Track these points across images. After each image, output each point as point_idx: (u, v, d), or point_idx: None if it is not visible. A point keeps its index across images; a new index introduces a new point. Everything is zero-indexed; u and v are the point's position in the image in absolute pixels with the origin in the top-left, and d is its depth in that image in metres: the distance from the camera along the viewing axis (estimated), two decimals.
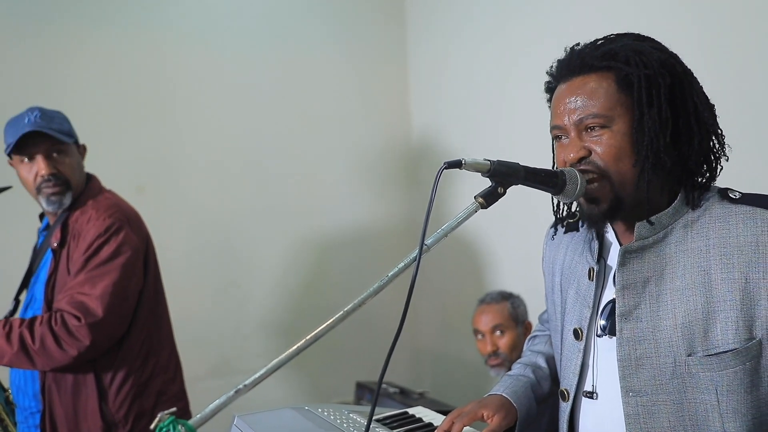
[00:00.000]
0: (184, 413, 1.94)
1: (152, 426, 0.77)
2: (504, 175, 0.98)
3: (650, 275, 1.02)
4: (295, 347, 0.88)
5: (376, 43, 3.36)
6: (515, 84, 2.69)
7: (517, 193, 1.07)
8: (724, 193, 1.02)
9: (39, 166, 1.78)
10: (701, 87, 1.04)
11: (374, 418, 1.25)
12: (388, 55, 3.40)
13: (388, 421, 1.28)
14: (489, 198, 0.98)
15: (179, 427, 0.77)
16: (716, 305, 0.96)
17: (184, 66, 2.84)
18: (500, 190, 0.99)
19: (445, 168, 0.95)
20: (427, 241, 0.95)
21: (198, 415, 0.79)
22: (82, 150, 1.91)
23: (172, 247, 2.43)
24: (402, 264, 0.94)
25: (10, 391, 1.88)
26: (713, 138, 1.03)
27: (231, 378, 2.86)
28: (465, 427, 1.14)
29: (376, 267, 3.19)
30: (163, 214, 2.51)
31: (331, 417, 1.26)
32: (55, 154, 1.81)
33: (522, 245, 2.58)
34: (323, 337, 0.90)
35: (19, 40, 2.51)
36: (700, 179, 1.04)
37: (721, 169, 1.05)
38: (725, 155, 1.05)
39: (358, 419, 1.26)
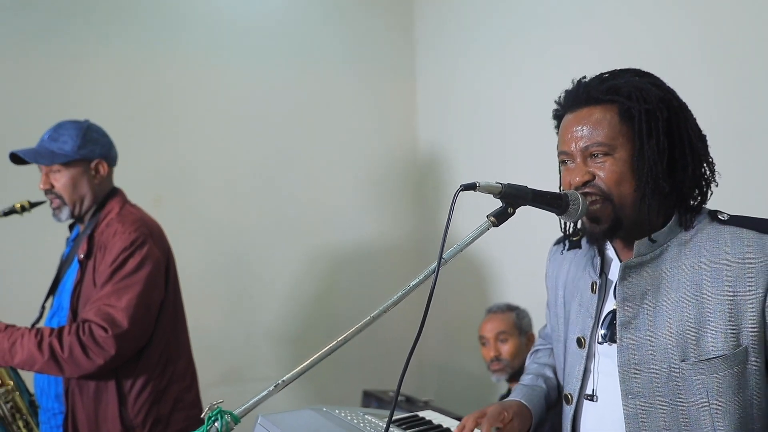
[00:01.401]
0: (194, 422, 2.01)
1: (202, 415, 0.86)
2: (513, 197, 1.07)
3: (648, 288, 1.12)
4: (327, 348, 0.96)
5: (385, 62, 3.48)
6: (517, 104, 2.81)
7: (519, 213, 1.15)
8: (713, 215, 1.12)
9: (41, 180, 1.93)
10: (695, 120, 1.14)
11: (385, 420, 1.33)
12: (397, 74, 3.51)
13: (399, 423, 1.37)
14: (500, 217, 1.06)
15: (226, 416, 0.86)
16: (707, 315, 1.06)
17: (201, 83, 2.95)
18: (510, 210, 1.07)
19: (462, 190, 1.03)
20: (445, 255, 1.04)
21: (242, 407, 0.88)
22: (96, 166, 1.95)
23: (186, 259, 2.51)
24: (422, 275, 1.02)
25: (34, 394, 1.96)
26: (705, 166, 1.13)
27: (241, 385, 2.92)
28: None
29: (383, 279, 3.30)
30: (179, 226, 2.59)
31: (348, 417, 1.35)
32: (52, 172, 1.92)
33: (524, 263, 2.68)
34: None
35: (44, 56, 2.63)
36: (692, 202, 1.14)
37: (711, 194, 1.15)
38: (715, 181, 1.15)
39: (373, 420, 1.35)
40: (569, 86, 1.20)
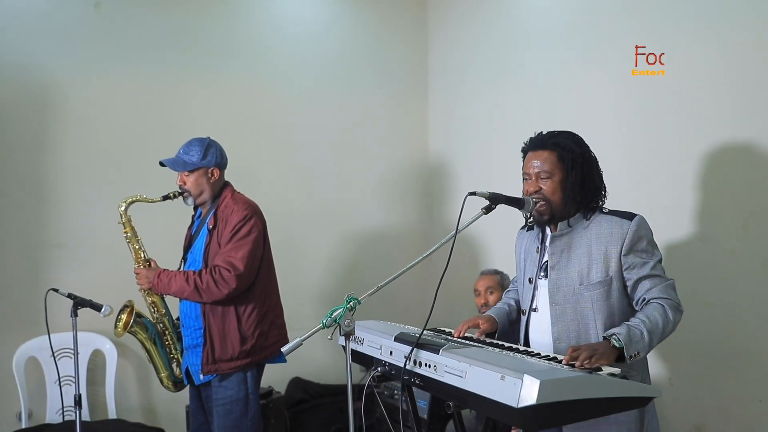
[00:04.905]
0: (283, 338, 2.95)
1: (345, 297, 1.80)
2: (495, 199, 1.99)
3: (564, 248, 2.08)
4: (395, 274, 1.90)
5: (403, 86, 4.45)
6: (507, 122, 3.73)
7: (500, 213, 2.06)
8: (601, 209, 2.08)
9: (178, 179, 2.84)
10: (598, 162, 2.09)
11: (411, 331, 2.24)
12: (412, 95, 4.48)
13: (429, 329, 2.31)
14: (488, 210, 2.00)
15: (354, 300, 1.80)
16: (593, 262, 2.01)
17: (269, 105, 3.91)
18: (493, 206, 2.01)
19: (469, 195, 1.97)
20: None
21: (361, 296, 1.82)
22: (212, 171, 2.79)
23: None
24: (445, 239, 1.96)
25: (179, 318, 2.90)
26: (600, 187, 2.08)
27: (291, 333, 3.69)
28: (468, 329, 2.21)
29: (397, 257, 4.29)
30: None
31: (396, 325, 2.30)
32: (185, 174, 2.82)
33: (502, 244, 3.56)
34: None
35: (165, 84, 3.58)
36: (593, 205, 2.10)
37: (603, 203, 2.09)
38: (605, 196, 2.10)
39: (411, 328, 2.28)
40: (537, 129, 2.14)
